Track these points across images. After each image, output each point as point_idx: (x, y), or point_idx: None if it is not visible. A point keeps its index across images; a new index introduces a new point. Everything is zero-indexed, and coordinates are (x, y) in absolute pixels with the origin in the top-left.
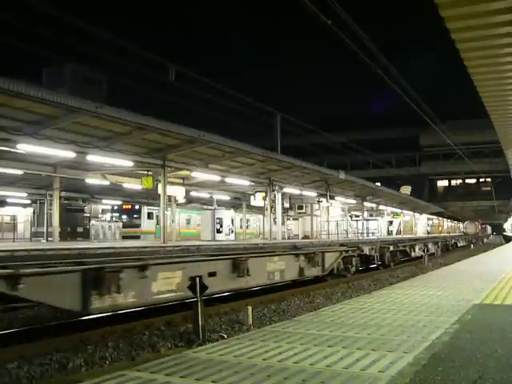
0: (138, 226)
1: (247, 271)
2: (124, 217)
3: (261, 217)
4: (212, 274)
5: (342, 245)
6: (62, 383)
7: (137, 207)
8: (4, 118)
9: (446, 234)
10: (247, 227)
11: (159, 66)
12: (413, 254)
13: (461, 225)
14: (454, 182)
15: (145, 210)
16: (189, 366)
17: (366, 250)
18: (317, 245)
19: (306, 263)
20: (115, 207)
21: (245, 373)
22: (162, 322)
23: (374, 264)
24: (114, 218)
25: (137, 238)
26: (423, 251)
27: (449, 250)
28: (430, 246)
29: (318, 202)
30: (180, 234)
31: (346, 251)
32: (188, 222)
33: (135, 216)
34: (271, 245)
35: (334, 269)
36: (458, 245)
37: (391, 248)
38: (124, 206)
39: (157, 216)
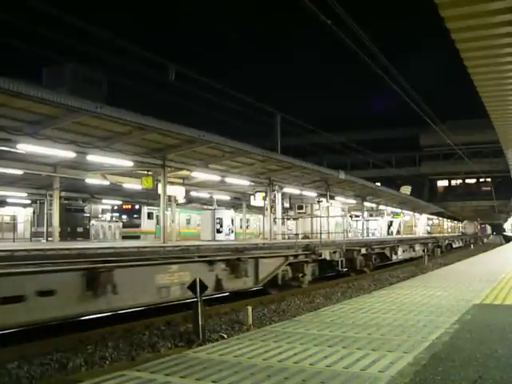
0: (138, 226)
1: (113, 287)
2: (124, 217)
3: (261, 217)
4: (47, 293)
5: (306, 248)
6: (62, 383)
7: (137, 207)
8: (4, 118)
9: (437, 235)
10: (247, 227)
11: (159, 66)
12: (394, 258)
13: (460, 225)
14: (454, 182)
15: (145, 210)
16: (189, 366)
17: (326, 255)
18: (270, 247)
19: (226, 273)
20: (115, 207)
21: (245, 373)
22: (162, 321)
23: (340, 271)
24: (114, 218)
25: (137, 238)
26: (423, 251)
27: (442, 252)
28: (418, 247)
29: (318, 202)
30: (180, 234)
31: (295, 256)
32: (188, 222)
33: (135, 216)
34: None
35: (277, 278)
36: (454, 246)
37: (363, 251)
38: (124, 206)
39: (157, 216)
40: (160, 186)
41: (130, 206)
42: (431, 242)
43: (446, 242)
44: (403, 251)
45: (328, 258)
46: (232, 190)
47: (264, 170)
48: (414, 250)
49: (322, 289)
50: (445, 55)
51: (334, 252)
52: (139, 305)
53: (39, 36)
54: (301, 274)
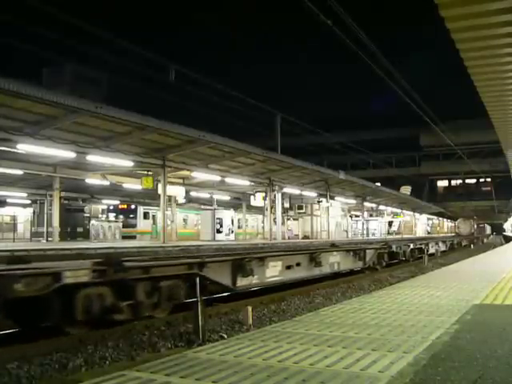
0: (134, 225)
1: None
2: (120, 217)
3: (260, 217)
4: None
5: None
6: (62, 383)
7: (132, 207)
8: (4, 118)
9: (390, 237)
10: (247, 227)
11: (159, 66)
12: (241, 284)
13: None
14: (454, 182)
15: (140, 209)
16: (189, 366)
17: None
18: None
19: None
20: (111, 207)
21: (245, 373)
22: (161, 322)
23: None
24: (111, 218)
25: (133, 238)
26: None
27: (398, 263)
28: (335, 259)
29: (318, 202)
30: (177, 235)
31: None
32: (185, 221)
33: (131, 216)
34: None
35: None
36: (429, 252)
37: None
38: (120, 206)
39: (153, 216)
40: (160, 185)
41: (125, 206)
42: (374, 249)
43: (411, 246)
44: (287, 268)
45: None
46: (232, 190)
47: (264, 170)
48: (319, 265)
49: (322, 289)
50: (444, 55)
51: None
52: None
53: (39, 36)
54: None
